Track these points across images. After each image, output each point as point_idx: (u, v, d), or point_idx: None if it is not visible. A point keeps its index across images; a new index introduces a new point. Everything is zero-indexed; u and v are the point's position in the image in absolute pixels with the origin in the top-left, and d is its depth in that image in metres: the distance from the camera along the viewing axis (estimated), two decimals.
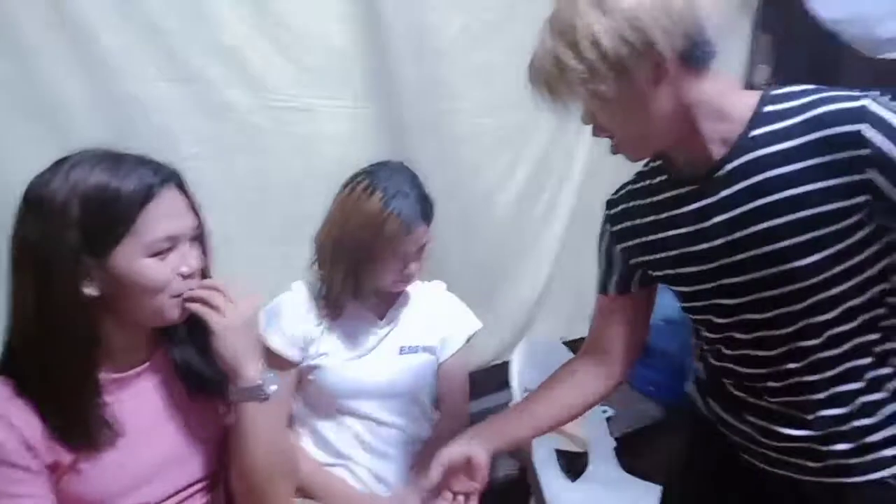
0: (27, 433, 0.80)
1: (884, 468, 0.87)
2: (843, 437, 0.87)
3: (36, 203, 0.81)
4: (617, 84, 0.77)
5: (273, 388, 0.94)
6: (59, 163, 0.82)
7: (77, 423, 0.83)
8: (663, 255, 0.93)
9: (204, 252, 0.91)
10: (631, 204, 0.96)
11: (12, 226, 0.82)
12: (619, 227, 0.98)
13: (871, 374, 0.85)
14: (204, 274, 0.92)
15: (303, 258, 1.31)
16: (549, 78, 0.80)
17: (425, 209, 1.18)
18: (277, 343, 1.20)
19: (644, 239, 0.95)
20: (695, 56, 0.78)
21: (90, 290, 0.82)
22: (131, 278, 0.83)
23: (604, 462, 1.70)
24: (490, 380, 1.72)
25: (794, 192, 0.79)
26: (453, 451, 1.01)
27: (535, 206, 1.82)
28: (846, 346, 0.84)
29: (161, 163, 0.87)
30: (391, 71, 1.42)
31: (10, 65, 1.04)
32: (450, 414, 1.33)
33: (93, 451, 0.85)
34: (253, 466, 0.94)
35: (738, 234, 0.83)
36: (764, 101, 0.82)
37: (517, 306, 1.86)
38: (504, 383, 1.58)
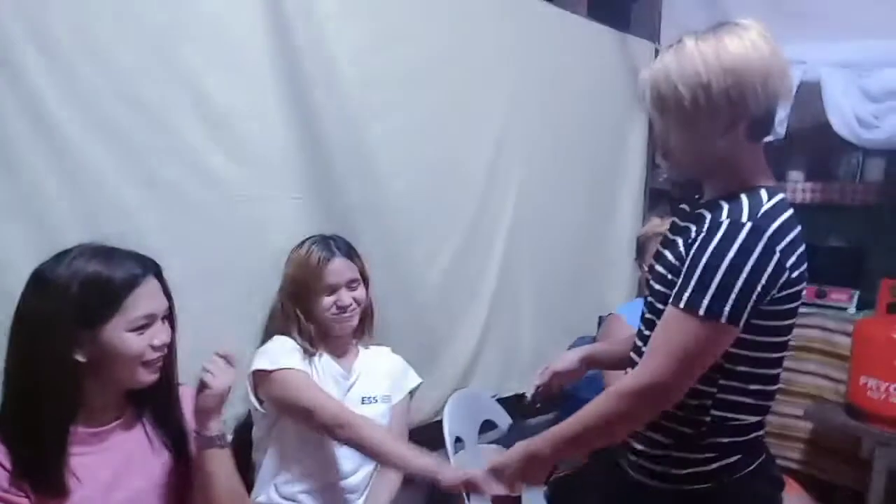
0: (9, 469, 0.96)
1: (668, 481, 1.10)
2: (643, 441, 1.13)
3: (41, 283, 0.99)
4: (704, 121, 1.00)
5: (229, 438, 1.14)
6: (64, 253, 1.02)
7: (47, 470, 0.98)
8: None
9: (172, 328, 1.12)
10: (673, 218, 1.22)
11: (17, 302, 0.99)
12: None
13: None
14: (171, 346, 1.11)
15: (254, 332, 1.55)
16: (654, 95, 1.03)
17: (342, 246, 1.53)
18: (290, 362, 1.43)
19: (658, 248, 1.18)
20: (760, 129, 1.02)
21: (79, 356, 0.99)
22: (115, 348, 1.01)
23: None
24: (432, 436, 1.82)
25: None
26: (560, 363, 1.41)
27: (466, 271, 2.03)
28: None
29: (145, 256, 1.08)
30: (329, 165, 1.64)
31: None
32: None
33: (56, 498, 0.98)
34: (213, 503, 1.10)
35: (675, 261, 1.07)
36: (746, 189, 1.04)
37: (454, 366, 2.03)
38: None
